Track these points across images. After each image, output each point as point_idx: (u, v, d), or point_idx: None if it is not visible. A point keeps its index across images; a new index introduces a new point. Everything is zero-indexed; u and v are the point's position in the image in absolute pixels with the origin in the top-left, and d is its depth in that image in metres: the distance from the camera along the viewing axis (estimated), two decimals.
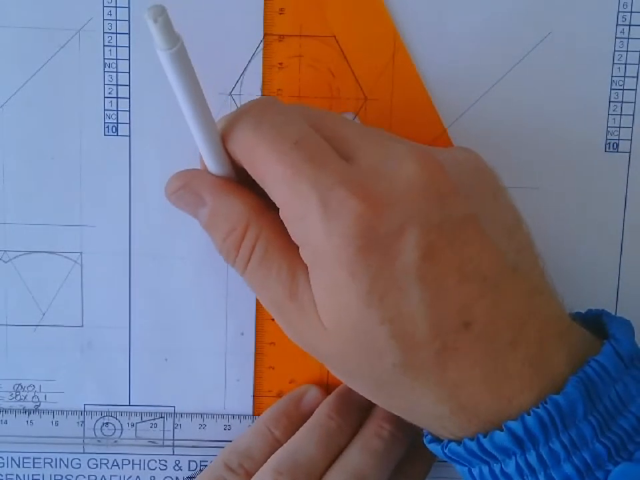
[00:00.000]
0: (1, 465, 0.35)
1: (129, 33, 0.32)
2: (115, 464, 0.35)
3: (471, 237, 0.26)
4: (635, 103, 0.33)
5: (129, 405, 0.35)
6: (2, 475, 0.35)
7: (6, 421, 0.35)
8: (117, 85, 0.33)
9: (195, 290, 0.34)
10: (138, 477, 0.35)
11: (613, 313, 0.34)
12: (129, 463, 0.35)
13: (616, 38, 0.32)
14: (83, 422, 0.35)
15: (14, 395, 0.35)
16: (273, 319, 0.32)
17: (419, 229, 0.25)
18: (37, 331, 0.34)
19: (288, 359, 0.34)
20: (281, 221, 0.27)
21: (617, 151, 0.33)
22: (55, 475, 0.35)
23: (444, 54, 0.32)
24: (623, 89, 0.32)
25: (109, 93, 0.33)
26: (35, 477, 0.35)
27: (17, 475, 0.35)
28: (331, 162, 0.26)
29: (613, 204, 0.33)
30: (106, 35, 0.32)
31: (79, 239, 0.34)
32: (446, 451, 0.27)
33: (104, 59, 0.32)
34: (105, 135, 0.33)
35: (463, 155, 0.28)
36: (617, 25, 0.32)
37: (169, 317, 0.34)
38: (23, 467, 0.35)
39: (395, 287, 0.25)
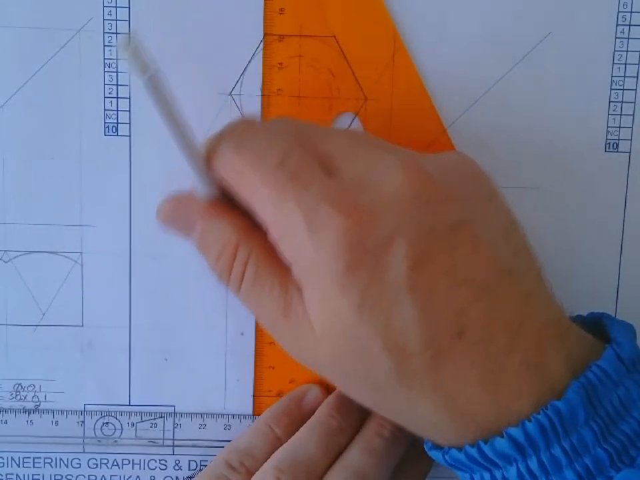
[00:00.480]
0: (1, 464, 0.35)
1: (129, 33, 0.32)
2: (115, 464, 0.35)
3: (462, 242, 0.26)
4: (634, 102, 0.33)
5: (129, 405, 0.35)
6: (2, 475, 0.35)
7: (6, 420, 0.35)
8: (117, 84, 0.33)
9: (194, 290, 0.34)
10: (138, 476, 0.35)
11: (613, 313, 0.34)
12: (129, 462, 0.35)
13: (616, 38, 0.32)
14: (83, 422, 0.35)
15: (14, 395, 0.35)
16: None
17: (406, 240, 0.25)
18: (37, 330, 0.34)
19: (288, 359, 0.34)
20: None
21: (617, 151, 0.33)
22: (55, 475, 0.35)
23: (444, 54, 0.32)
24: (623, 89, 0.32)
25: (109, 93, 0.33)
26: (35, 477, 0.35)
27: (17, 475, 0.35)
28: (315, 179, 0.26)
29: (613, 204, 0.33)
30: (106, 35, 0.32)
31: (79, 239, 0.34)
32: (447, 457, 0.27)
33: (104, 58, 0.32)
34: (105, 135, 0.33)
35: (455, 160, 0.28)
36: (617, 25, 0.32)
37: (168, 317, 0.34)
38: (23, 466, 0.35)
39: (385, 299, 0.25)
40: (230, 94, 0.33)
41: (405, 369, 0.25)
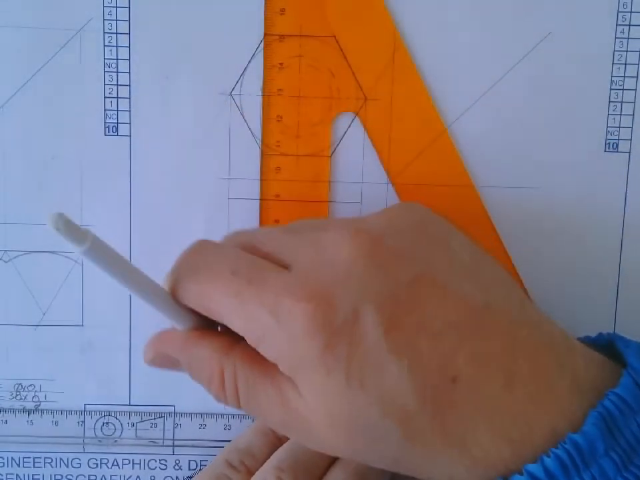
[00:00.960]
0: (1, 464, 0.35)
1: (129, 33, 0.32)
2: (115, 464, 0.35)
3: (427, 294, 0.25)
4: (634, 102, 0.33)
5: (129, 405, 0.35)
6: (2, 475, 0.35)
7: (6, 420, 0.35)
8: (117, 84, 0.33)
9: None
10: (138, 476, 0.35)
11: (613, 313, 0.34)
12: (129, 462, 0.35)
13: (616, 38, 0.32)
14: (83, 422, 0.35)
15: (14, 395, 0.35)
16: None
17: (372, 307, 0.25)
18: (37, 330, 0.34)
19: None
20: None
21: (617, 151, 0.33)
22: (55, 475, 0.35)
23: (444, 54, 0.32)
24: (623, 89, 0.32)
25: (109, 93, 0.33)
26: (35, 477, 0.35)
27: (17, 475, 0.35)
28: (269, 277, 0.26)
29: (612, 204, 0.33)
30: (106, 35, 0.32)
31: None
32: None
33: (104, 58, 0.32)
34: (105, 135, 0.33)
35: (401, 212, 0.28)
36: (617, 25, 0.32)
37: None
38: (23, 466, 0.35)
39: (370, 368, 0.25)
40: (230, 94, 0.33)
41: (410, 430, 0.25)
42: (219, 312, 0.27)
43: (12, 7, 0.32)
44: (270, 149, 0.33)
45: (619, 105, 0.32)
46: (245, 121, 0.33)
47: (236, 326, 0.26)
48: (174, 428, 0.35)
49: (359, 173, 0.33)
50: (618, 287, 0.34)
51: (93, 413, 0.35)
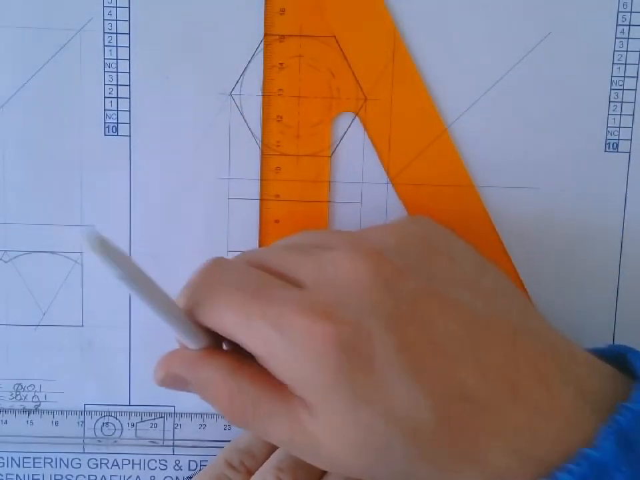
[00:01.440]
0: (1, 464, 0.35)
1: (129, 33, 0.32)
2: (115, 464, 0.35)
3: (431, 308, 0.25)
4: (634, 102, 0.33)
5: (129, 405, 0.35)
6: (2, 475, 0.35)
7: (6, 420, 0.35)
8: (117, 84, 0.33)
9: None
10: (138, 476, 0.35)
11: (613, 313, 0.34)
12: (129, 463, 0.35)
13: (616, 38, 0.32)
14: (83, 422, 0.35)
15: (14, 395, 0.35)
16: None
17: (382, 327, 0.25)
18: (37, 330, 0.34)
19: None
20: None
21: (617, 151, 0.33)
22: (54, 475, 0.35)
23: (444, 54, 0.32)
24: (623, 89, 0.32)
25: (109, 93, 0.33)
26: (35, 477, 0.35)
27: (16, 475, 0.35)
28: (279, 293, 0.26)
29: (612, 204, 0.33)
30: (106, 35, 0.32)
31: (79, 239, 0.33)
32: None
33: (104, 58, 0.32)
34: (105, 135, 0.33)
35: (404, 226, 0.28)
36: (617, 25, 0.32)
37: None
38: (23, 466, 0.35)
39: (382, 388, 0.25)
40: (230, 94, 0.33)
41: (424, 448, 0.25)
42: (229, 329, 0.27)
43: (12, 7, 0.32)
44: (270, 148, 0.33)
45: (618, 105, 0.32)
46: (245, 121, 0.33)
47: (244, 343, 0.26)
48: (174, 428, 0.35)
49: (359, 173, 0.33)
50: (618, 287, 0.34)
51: (93, 413, 0.35)
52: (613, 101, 0.32)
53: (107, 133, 0.33)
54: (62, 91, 0.33)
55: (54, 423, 0.35)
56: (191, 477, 0.35)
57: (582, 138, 0.33)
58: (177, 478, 0.35)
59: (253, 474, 0.31)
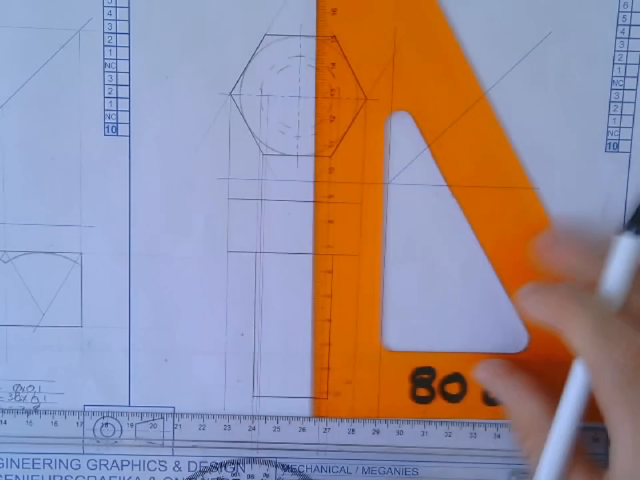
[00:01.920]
0: (1, 465, 0.35)
1: (129, 33, 0.32)
2: (115, 465, 0.35)
3: None
4: (635, 102, 0.33)
5: (129, 406, 0.35)
6: (1, 476, 0.35)
7: (5, 421, 0.35)
8: (117, 85, 0.33)
9: (194, 290, 0.34)
10: (138, 477, 0.35)
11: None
12: (129, 463, 0.35)
13: (616, 38, 0.32)
14: (83, 422, 0.35)
15: (13, 396, 0.35)
16: (328, 319, 0.33)
17: None
18: (37, 331, 0.34)
19: (343, 361, 0.34)
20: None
21: (617, 151, 0.33)
22: (54, 476, 0.35)
23: (444, 54, 0.32)
24: (623, 89, 0.32)
25: (109, 93, 0.33)
26: (35, 478, 0.35)
27: (16, 476, 0.35)
28: None
29: (613, 204, 0.33)
30: (106, 35, 0.32)
31: (79, 239, 0.34)
32: None
33: (104, 59, 0.32)
34: (104, 135, 0.33)
35: None
36: (617, 25, 0.32)
37: (168, 317, 0.34)
38: (23, 467, 0.35)
39: None
40: (230, 94, 0.33)
41: None
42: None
43: (11, 7, 0.32)
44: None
45: (619, 104, 0.32)
46: (245, 121, 0.33)
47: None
48: (173, 429, 0.35)
49: (358, 173, 0.33)
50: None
51: (93, 413, 0.35)
52: (613, 101, 0.32)
53: (107, 133, 0.33)
54: (62, 91, 0.33)
55: (53, 424, 0.35)
56: (190, 478, 0.35)
57: (582, 138, 0.33)
58: (176, 479, 0.35)
59: None
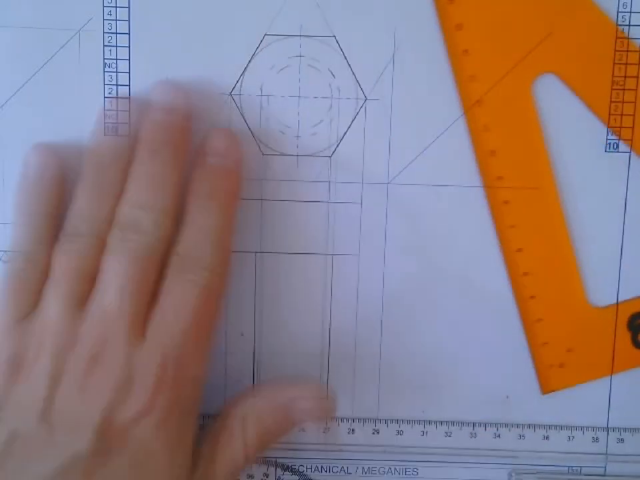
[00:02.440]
0: None
1: (129, 33, 0.32)
2: None
3: None
4: (635, 102, 0.32)
5: None
6: None
7: None
8: (117, 84, 0.33)
9: None
10: None
11: (614, 313, 0.34)
12: None
13: (616, 38, 0.32)
14: None
15: None
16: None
17: None
18: None
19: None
20: None
21: (617, 151, 0.33)
22: None
23: (444, 54, 0.32)
24: (624, 89, 0.32)
25: (109, 93, 0.33)
26: None
27: None
28: None
29: (613, 204, 0.33)
30: (106, 35, 0.32)
31: None
32: None
33: (104, 58, 0.32)
34: (105, 135, 0.33)
35: None
36: (617, 25, 0.32)
37: None
38: None
39: None
40: (230, 94, 0.33)
41: None
42: None
43: (12, 7, 0.32)
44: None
45: (619, 105, 0.32)
46: (245, 121, 0.33)
47: None
48: None
49: (359, 173, 0.33)
50: (618, 287, 0.34)
51: None
52: (613, 101, 0.32)
53: (107, 133, 0.33)
54: (62, 91, 0.33)
55: None
56: None
57: (582, 138, 0.33)
58: None
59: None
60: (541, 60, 0.32)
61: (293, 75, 0.32)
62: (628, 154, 0.33)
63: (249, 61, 0.32)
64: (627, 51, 0.32)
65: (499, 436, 0.35)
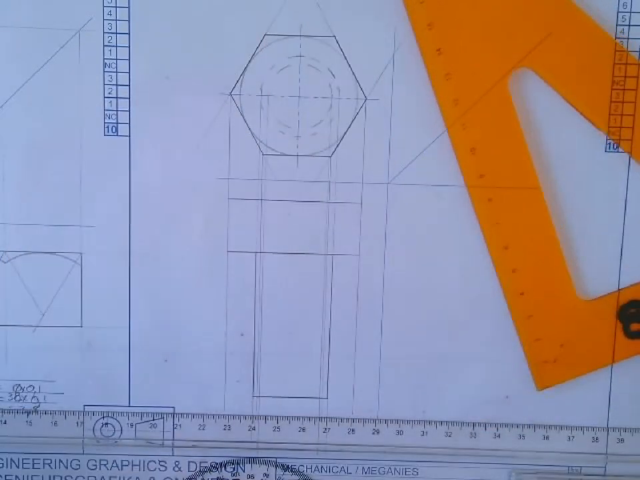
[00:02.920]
0: (0, 465, 0.35)
1: (129, 33, 0.32)
2: (115, 465, 0.35)
3: None
4: (635, 102, 0.32)
5: (129, 406, 0.35)
6: (1, 476, 0.35)
7: (5, 421, 0.35)
8: (117, 85, 0.33)
9: (194, 290, 0.34)
10: (137, 477, 0.35)
11: (615, 313, 0.34)
12: (129, 463, 0.35)
13: (616, 38, 0.32)
14: (82, 422, 0.35)
15: (13, 396, 0.35)
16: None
17: None
18: (37, 331, 0.34)
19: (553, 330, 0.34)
20: None
21: (617, 151, 0.33)
22: (54, 476, 0.35)
23: (444, 54, 0.32)
24: (624, 89, 0.32)
25: (109, 93, 0.33)
26: (34, 478, 0.35)
27: (15, 476, 0.35)
28: None
29: (613, 204, 0.33)
30: (106, 35, 0.32)
31: (79, 239, 0.34)
32: None
33: (104, 59, 0.32)
34: (104, 135, 0.33)
35: None
36: (617, 24, 0.32)
37: (168, 317, 0.34)
38: (22, 467, 0.35)
39: None
40: (230, 94, 0.33)
41: None
42: None
43: (11, 7, 0.32)
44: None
45: (619, 104, 0.32)
46: (245, 121, 0.33)
47: None
48: (173, 429, 0.35)
49: (358, 173, 0.33)
50: (618, 287, 0.34)
51: (92, 413, 0.35)
52: (613, 101, 0.32)
53: (107, 133, 0.33)
54: (62, 91, 0.33)
55: (53, 424, 0.35)
56: (190, 478, 0.35)
57: (582, 138, 0.33)
58: (176, 479, 0.35)
59: None
60: (541, 60, 0.32)
61: (293, 74, 0.32)
62: (628, 154, 0.33)
63: (249, 61, 0.32)
64: (627, 50, 0.32)
65: (498, 436, 0.35)
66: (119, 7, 0.32)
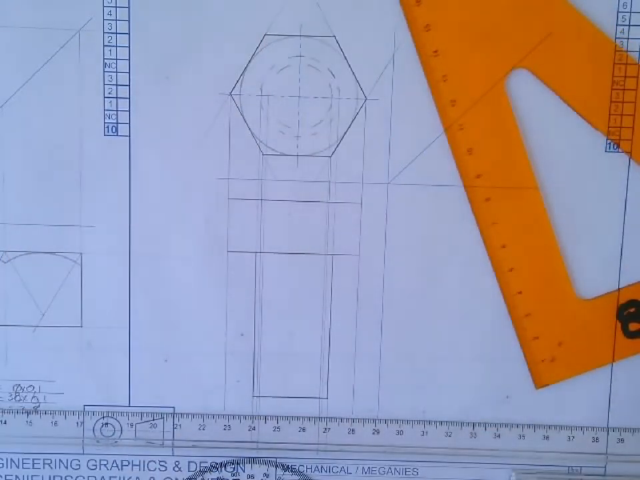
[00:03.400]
0: (1, 465, 0.35)
1: (129, 33, 0.32)
2: (115, 465, 0.35)
3: None
4: (635, 102, 0.33)
5: (129, 406, 0.35)
6: (1, 476, 0.35)
7: (5, 421, 0.35)
8: (117, 85, 0.33)
9: (194, 290, 0.34)
10: (138, 477, 0.35)
11: (615, 313, 0.34)
12: (129, 463, 0.35)
13: (616, 38, 0.32)
14: (83, 422, 0.35)
15: (13, 396, 0.35)
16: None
17: None
18: (37, 331, 0.34)
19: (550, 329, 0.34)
20: None
21: (617, 151, 0.33)
22: (54, 476, 0.35)
23: (441, 56, 0.32)
24: (624, 89, 0.32)
25: (109, 93, 0.33)
26: (35, 478, 0.35)
27: (16, 476, 0.35)
28: None
29: (613, 204, 0.33)
30: (106, 35, 0.32)
31: (79, 239, 0.34)
32: None
33: (104, 59, 0.32)
34: (104, 135, 0.33)
35: None
36: (617, 25, 0.32)
37: (169, 317, 0.34)
38: (23, 467, 0.35)
39: None
40: (230, 94, 0.33)
41: None
42: None
43: (12, 7, 0.32)
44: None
45: (619, 104, 0.32)
46: (245, 121, 0.33)
47: None
48: (174, 429, 0.35)
49: (358, 173, 0.33)
50: (618, 287, 0.34)
51: (93, 413, 0.35)
52: (613, 101, 0.32)
53: (107, 133, 0.33)
54: (62, 91, 0.33)
55: (53, 424, 0.35)
56: (190, 478, 0.35)
57: (582, 138, 0.33)
58: (176, 479, 0.35)
59: None
60: (539, 61, 0.32)
61: (293, 75, 0.32)
62: (628, 154, 0.33)
63: (249, 61, 0.32)
64: (627, 50, 0.32)
65: (499, 436, 0.35)
66: (119, 7, 0.32)
